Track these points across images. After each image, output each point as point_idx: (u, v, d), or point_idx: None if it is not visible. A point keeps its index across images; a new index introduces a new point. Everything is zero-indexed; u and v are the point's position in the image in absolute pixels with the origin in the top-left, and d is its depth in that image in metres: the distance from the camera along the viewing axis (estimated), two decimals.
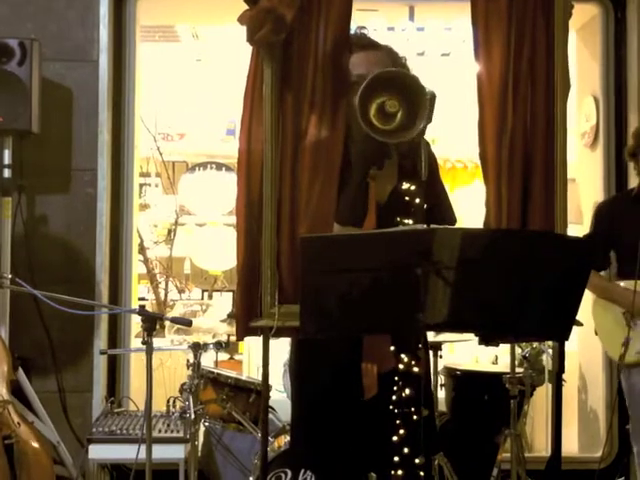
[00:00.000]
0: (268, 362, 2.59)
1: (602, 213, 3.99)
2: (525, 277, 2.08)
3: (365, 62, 2.50)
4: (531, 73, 2.61)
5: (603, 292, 3.84)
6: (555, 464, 2.69)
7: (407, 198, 2.38)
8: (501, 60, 2.61)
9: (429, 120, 2.30)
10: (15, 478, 3.43)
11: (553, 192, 2.61)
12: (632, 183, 4.53)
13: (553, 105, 2.60)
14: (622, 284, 3.89)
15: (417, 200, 2.34)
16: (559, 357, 2.63)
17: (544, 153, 2.62)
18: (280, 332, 2.53)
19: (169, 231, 6.37)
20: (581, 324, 2.59)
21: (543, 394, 4.75)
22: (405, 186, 2.39)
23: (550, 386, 4.60)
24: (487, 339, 2.61)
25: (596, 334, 3.92)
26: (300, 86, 2.56)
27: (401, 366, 2.32)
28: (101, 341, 4.32)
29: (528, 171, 2.62)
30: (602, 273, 4.07)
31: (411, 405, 2.27)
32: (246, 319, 2.58)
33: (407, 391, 2.29)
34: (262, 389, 2.65)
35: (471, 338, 4.35)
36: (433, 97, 2.28)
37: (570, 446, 4.74)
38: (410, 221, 2.35)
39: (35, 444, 3.53)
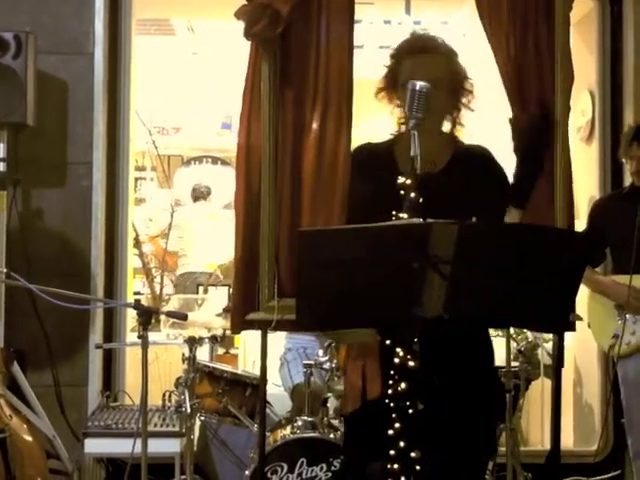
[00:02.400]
0: (266, 355, 2.60)
1: (595, 211, 4.09)
2: (521, 270, 2.09)
3: (415, 67, 2.46)
4: (534, 66, 2.61)
5: (595, 285, 3.90)
6: (554, 458, 2.69)
7: (402, 192, 2.38)
8: (504, 53, 2.62)
9: (424, 114, 2.30)
10: (9, 471, 3.42)
11: (553, 187, 2.63)
12: (627, 178, 4.54)
13: (554, 98, 2.61)
14: (613, 277, 3.94)
15: (412, 194, 2.34)
16: (559, 352, 2.63)
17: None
18: (278, 325, 2.54)
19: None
20: (580, 318, 2.60)
21: (538, 388, 4.75)
22: (400, 180, 2.39)
23: (545, 380, 4.61)
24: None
25: (589, 327, 3.96)
26: (301, 80, 2.58)
27: (397, 360, 2.32)
28: (96, 335, 4.32)
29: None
30: (597, 269, 4.11)
31: (408, 399, 2.27)
32: (242, 312, 2.58)
33: (402, 385, 2.29)
34: (260, 382, 2.66)
35: None
36: (428, 90, 2.28)
37: (565, 440, 4.74)
38: (405, 215, 2.35)
39: (27, 436, 3.53)
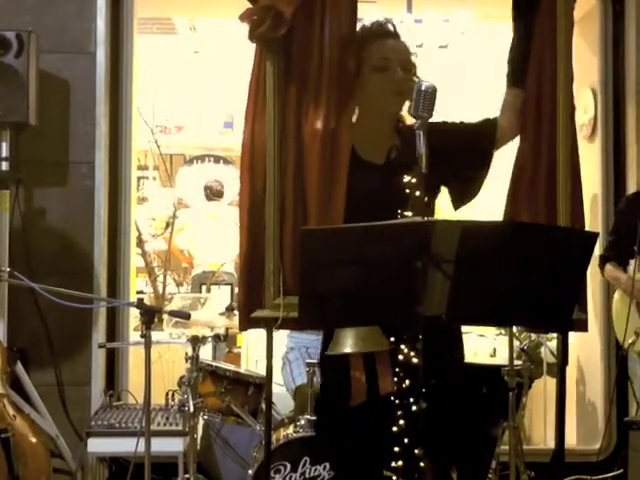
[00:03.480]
0: (272, 353, 2.60)
1: (620, 208, 4.08)
2: (524, 269, 2.09)
3: (386, 50, 2.53)
4: (538, 66, 2.62)
5: (616, 282, 3.90)
6: (559, 457, 2.69)
7: (407, 190, 2.39)
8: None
9: (430, 114, 2.31)
10: (12, 471, 3.42)
11: (556, 185, 2.63)
12: (630, 175, 4.54)
13: (556, 98, 2.61)
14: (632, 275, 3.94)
15: (417, 193, 2.34)
16: (563, 351, 2.63)
17: (549, 147, 2.64)
18: (283, 323, 2.55)
19: (167, 224, 6.36)
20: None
21: (541, 387, 4.75)
22: (406, 179, 2.40)
23: (548, 378, 4.60)
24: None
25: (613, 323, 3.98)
26: (305, 79, 2.59)
27: (400, 357, 2.33)
28: (99, 334, 4.32)
29: (533, 165, 2.64)
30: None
31: (410, 396, 2.28)
32: (248, 310, 2.59)
33: (407, 382, 2.30)
34: (265, 380, 2.66)
35: (470, 331, 4.36)
36: (434, 91, 2.28)
37: (568, 438, 4.74)
38: (410, 213, 2.36)
39: (32, 436, 3.53)
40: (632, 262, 3.95)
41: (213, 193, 6.40)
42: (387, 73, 2.50)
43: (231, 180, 6.30)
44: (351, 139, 2.54)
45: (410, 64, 2.55)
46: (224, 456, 4.15)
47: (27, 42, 3.93)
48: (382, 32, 2.57)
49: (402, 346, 2.33)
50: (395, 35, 2.58)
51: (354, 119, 2.59)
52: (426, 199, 2.34)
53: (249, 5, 2.60)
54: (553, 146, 2.65)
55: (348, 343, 2.34)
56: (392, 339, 2.36)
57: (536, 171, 2.65)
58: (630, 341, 3.79)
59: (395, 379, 2.33)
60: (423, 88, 2.26)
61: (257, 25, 2.54)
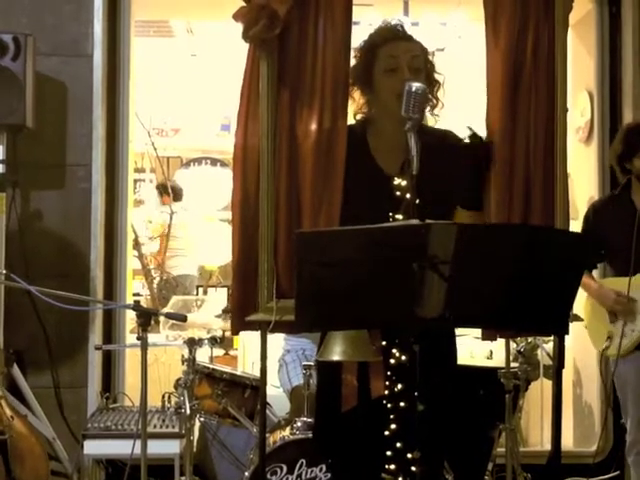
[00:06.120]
0: (266, 356, 2.59)
1: (589, 214, 4.06)
2: (521, 271, 2.09)
3: (396, 52, 2.50)
4: (534, 67, 2.62)
5: (585, 289, 3.90)
6: (555, 459, 2.69)
7: (398, 193, 2.39)
8: (508, 52, 2.63)
9: (421, 115, 2.30)
10: (9, 473, 3.42)
11: (553, 187, 2.63)
12: None
13: (553, 100, 2.62)
14: (603, 281, 3.95)
15: (408, 195, 2.34)
16: (559, 353, 2.63)
17: (544, 148, 2.64)
18: (277, 326, 2.54)
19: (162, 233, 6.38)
20: (581, 319, 2.60)
21: (538, 389, 4.75)
22: (396, 181, 2.40)
23: (545, 381, 4.61)
24: (489, 335, 2.66)
25: (586, 328, 3.98)
26: (299, 81, 2.58)
27: (392, 360, 2.33)
28: (96, 337, 4.32)
29: (529, 165, 2.64)
30: (594, 272, 4.12)
31: (404, 399, 2.28)
32: (241, 313, 2.58)
33: (399, 386, 2.30)
34: (260, 382, 2.66)
35: (466, 333, 4.37)
36: (423, 92, 2.28)
37: (565, 440, 4.75)
38: (400, 216, 2.36)
39: (29, 438, 3.54)
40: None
41: (166, 194, 6.35)
42: (395, 74, 2.46)
43: (228, 183, 6.30)
44: (345, 142, 2.53)
45: (420, 64, 2.50)
46: (220, 458, 4.14)
47: (24, 44, 3.94)
48: (391, 35, 2.54)
49: (394, 350, 2.33)
50: (405, 37, 2.55)
51: (372, 126, 2.57)
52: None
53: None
54: (550, 147, 2.64)
55: (336, 351, 2.35)
56: (384, 343, 2.36)
57: (531, 170, 2.65)
58: (603, 346, 3.82)
59: (387, 382, 2.33)
60: (413, 89, 2.25)
61: (251, 24, 2.52)
